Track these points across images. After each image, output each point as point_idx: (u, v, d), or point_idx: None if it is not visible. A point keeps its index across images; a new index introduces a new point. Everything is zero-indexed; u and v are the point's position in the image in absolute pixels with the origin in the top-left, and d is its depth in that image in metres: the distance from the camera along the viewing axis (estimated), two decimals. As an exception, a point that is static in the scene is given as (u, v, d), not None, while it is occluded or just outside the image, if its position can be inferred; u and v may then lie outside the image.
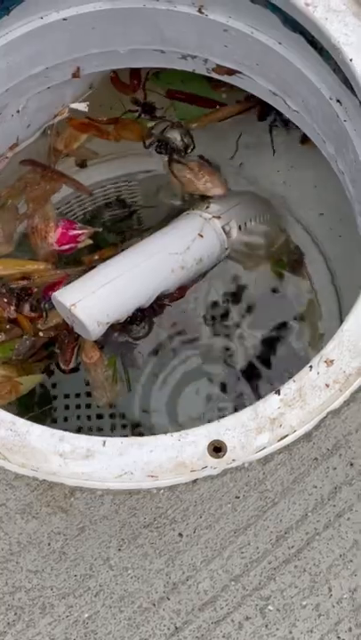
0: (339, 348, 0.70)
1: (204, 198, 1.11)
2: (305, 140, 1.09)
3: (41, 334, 1.06)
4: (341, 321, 0.73)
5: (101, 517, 0.67)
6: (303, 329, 1.25)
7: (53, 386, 1.30)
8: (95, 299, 0.97)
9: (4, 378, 1.03)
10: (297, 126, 0.97)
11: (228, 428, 0.68)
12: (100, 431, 1.28)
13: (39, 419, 1.14)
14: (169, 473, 0.67)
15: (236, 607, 0.64)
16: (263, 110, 1.12)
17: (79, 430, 1.27)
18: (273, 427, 0.68)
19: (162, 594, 0.65)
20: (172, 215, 1.14)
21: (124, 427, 1.30)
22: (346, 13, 0.79)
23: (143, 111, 1.14)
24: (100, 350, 1.09)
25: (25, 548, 0.66)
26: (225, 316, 1.30)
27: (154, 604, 0.64)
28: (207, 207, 1.08)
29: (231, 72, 0.97)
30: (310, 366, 0.70)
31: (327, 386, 0.69)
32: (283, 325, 1.27)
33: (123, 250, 1.06)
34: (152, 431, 1.26)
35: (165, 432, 0.69)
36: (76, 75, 1.01)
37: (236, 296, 1.29)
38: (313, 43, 0.84)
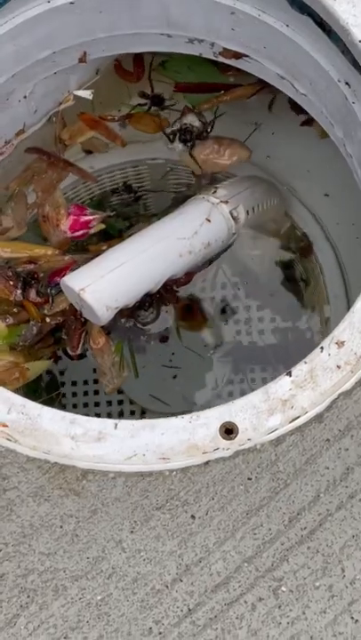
0: (350, 329, 0.70)
1: (212, 183, 1.11)
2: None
3: (48, 320, 1.06)
4: (349, 304, 0.73)
5: (113, 500, 0.67)
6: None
7: (61, 373, 1.31)
8: (104, 283, 0.96)
9: (12, 363, 1.03)
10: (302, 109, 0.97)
11: (240, 410, 0.68)
12: (108, 417, 1.28)
13: (47, 405, 1.14)
14: (181, 455, 0.67)
15: (249, 588, 0.64)
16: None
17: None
18: (285, 408, 0.68)
19: (175, 575, 0.65)
20: (179, 200, 1.14)
21: (132, 413, 1.30)
22: (355, -6, 0.79)
23: (153, 103, 1.14)
24: (106, 336, 1.09)
25: (37, 530, 0.67)
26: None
27: (167, 586, 0.64)
28: (214, 192, 1.08)
29: (238, 55, 0.96)
30: (321, 347, 0.70)
31: (338, 367, 0.69)
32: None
33: (130, 235, 1.06)
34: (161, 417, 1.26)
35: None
36: (82, 59, 1.00)
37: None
38: (321, 24, 0.84)
